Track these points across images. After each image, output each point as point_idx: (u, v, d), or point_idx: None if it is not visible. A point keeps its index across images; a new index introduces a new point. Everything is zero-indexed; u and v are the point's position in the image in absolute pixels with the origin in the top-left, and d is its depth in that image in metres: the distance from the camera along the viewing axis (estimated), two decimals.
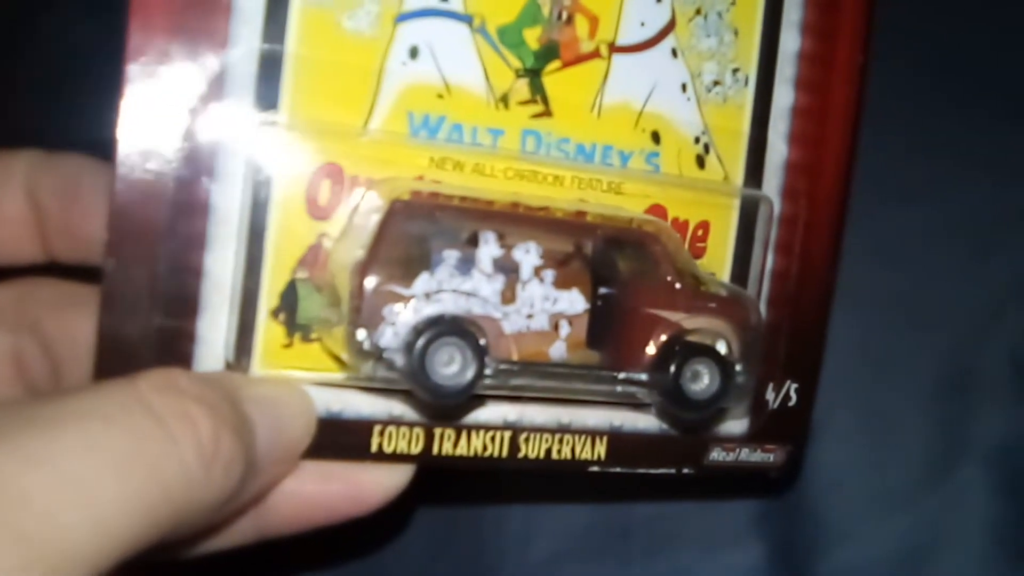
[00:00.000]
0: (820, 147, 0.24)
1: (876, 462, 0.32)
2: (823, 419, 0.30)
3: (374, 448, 0.21)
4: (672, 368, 0.19)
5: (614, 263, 0.19)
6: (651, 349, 0.19)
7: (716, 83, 0.22)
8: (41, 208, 0.22)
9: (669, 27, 0.22)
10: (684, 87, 0.22)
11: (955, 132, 0.35)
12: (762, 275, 0.23)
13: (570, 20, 0.21)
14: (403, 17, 0.20)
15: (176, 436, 0.16)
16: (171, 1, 0.18)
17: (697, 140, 0.22)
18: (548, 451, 0.22)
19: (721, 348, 0.20)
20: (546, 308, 0.18)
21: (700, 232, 0.23)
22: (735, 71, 0.23)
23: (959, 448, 0.32)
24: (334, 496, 0.21)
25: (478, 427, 0.21)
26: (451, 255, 0.18)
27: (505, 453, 0.22)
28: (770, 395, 0.24)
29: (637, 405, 0.22)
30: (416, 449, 0.21)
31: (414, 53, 0.20)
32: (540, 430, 0.22)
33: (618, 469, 0.23)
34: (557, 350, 0.19)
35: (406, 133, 0.20)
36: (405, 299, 0.17)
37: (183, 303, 0.19)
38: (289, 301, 0.20)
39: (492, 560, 0.31)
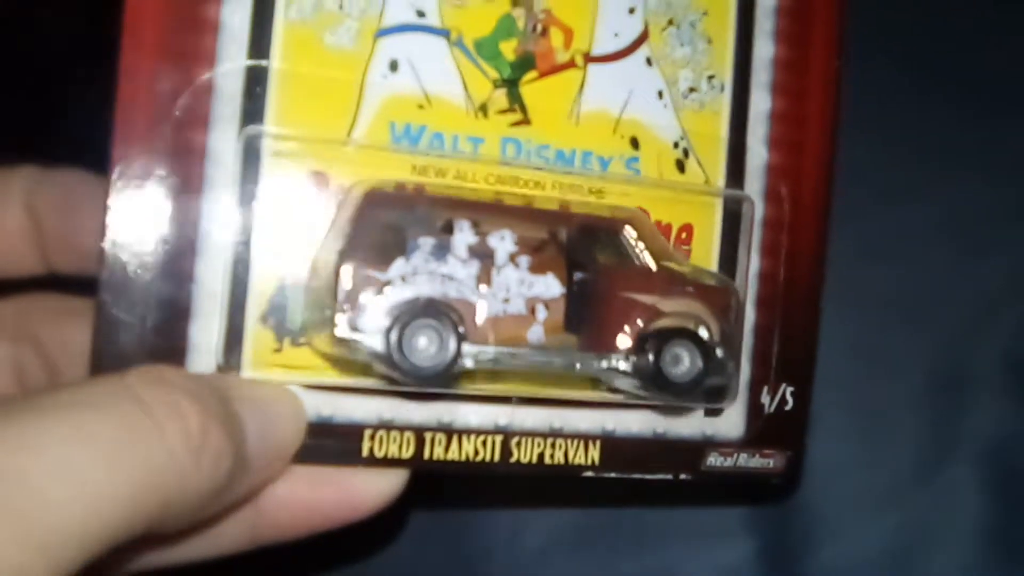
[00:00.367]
0: (800, 150, 0.24)
1: (867, 460, 0.32)
2: (815, 416, 0.29)
3: (365, 452, 0.21)
4: (651, 352, 0.19)
5: (589, 249, 0.20)
6: (629, 333, 0.19)
7: (692, 90, 0.23)
8: (40, 222, 0.23)
9: (643, 37, 0.23)
10: (660, 94, 0.23)
11: (947, 130, 0.35)
12: (748, 277, 0.24)
13: (545, 32, 0.22)
14: (382, 32, 0.21)
15: (164, 425, 0.16)
16: (162, 22, 0.19)
17: (676, 145, 0.23)
18: (541, 456, 0.22)
19: (701, 332, 0.20)
20: (522, 292, 0.19)
21: (684, 235, 0.23)
22: (710, 78, 0.23)
23: (950, 446, 0.32)
24: (327, 501, 0.21)
25: (469, 431, 0.22)
26: (426, 242, 0.18)
27: (497, 457, 0.22)
28: (765, 399, 0.24)
29: (629, 406, 0.23)
30: (407, 453, 0.21)
31: (394, 66, 0.21)
32: (532, 434, 0.22)
33: (613, 474, 0.23)
34: (535, 333, 0.19)
35: (388, 142, 0.21)
36: (381, 283, 0.17)
37: (176, 309, 0.20)
38: (278, 306, 0.20)
39: (482, 553, 0.31)
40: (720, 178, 0.23)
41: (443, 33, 0.21)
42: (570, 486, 0.28)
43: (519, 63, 0.22)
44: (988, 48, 0.35)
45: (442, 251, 0.18)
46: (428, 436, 0.21)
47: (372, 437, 0.21)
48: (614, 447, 0.23)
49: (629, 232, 0.20)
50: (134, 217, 0.19)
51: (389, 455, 0.21)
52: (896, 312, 0.34)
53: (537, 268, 0.19)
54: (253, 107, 0.20)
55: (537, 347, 0.19)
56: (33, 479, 0.15)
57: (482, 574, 0.32)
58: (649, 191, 0.22)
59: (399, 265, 0.18)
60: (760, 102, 0.24)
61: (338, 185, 0.20)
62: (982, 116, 0.35)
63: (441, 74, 0.21)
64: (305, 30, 0.20)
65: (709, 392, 0.21)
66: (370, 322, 0.17)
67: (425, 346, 0.17)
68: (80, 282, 0.23)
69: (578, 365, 0.19)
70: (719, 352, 0.20)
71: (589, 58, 0.22)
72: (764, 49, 0.24)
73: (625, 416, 0.23)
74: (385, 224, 0.18)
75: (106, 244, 0.19)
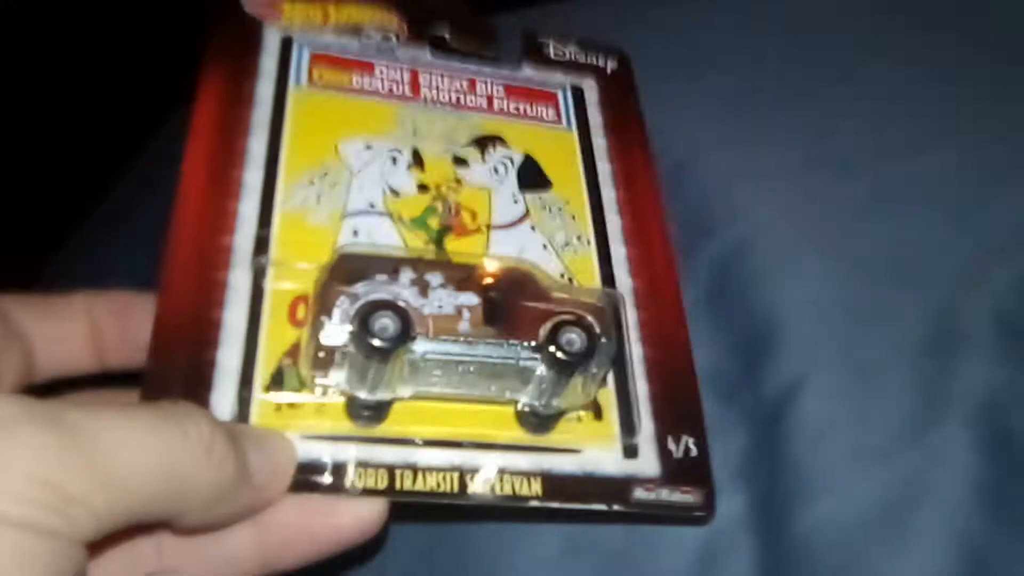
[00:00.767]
0: (654, 277, 0.33)
1: (858, 416, 0.31)
2: (806, 373, 0.31)
3: (348, 484, 0.26)
4: (551, 335, 0.26)
5: (500, 284, 0.28)
6: (533, 326, 0.26)
7: (567, 244, 0.33)
8: (99, 328, 0.29)
9: (525, 215, 0.33)
10: (544, 246, 0.33)
11: (939, 89, 0.36)
12: (633, 358, 0.31)
13: (457, 213, 0.32)
14: (347, 215, 0.31)
15: (185, 428, 0.22)
16: (201, 212, 0.29)
17: (562, 275, 0.32)
18: (492, 487, 0.27)
19: (588, 322, 0.27)
20: (451, 301, 0.26)
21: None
22: (579, 237, 0.33)
23: (942, 403, 0.31)
24: (319, 525, 0.26)
25: (430, 468, 0.27)
26: (381, 276, 0.26)
27: (456, 489, 0.27)
28: (672, 446, 0.30)
29: (560, 451, 0.28)
30: (382, 486, 0.26)
31: (355, 233, 0.31)
32: (483, 471, 0.27)
33: (555, 504, 0.28)
34: (463, 326, 0.26)
35: None
36: (350, 295, 0.25)
37: (202, 383, 0.27)
38: (278, 380, 0.27)
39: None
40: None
41: (388, 215, 0.32)
42: None
43: (442, 230, 0.32)
44: (984, 9, 0.37)
45: (392, 280, 0.26)
46: (398, 472, 0.27)
47: (353, 473, 0.26)
48: (553, 482, 0.28)
49: (530, 273, 0.28)
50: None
51: (367, 486, 0.26)
52: (888, 269, 0.33)
53: (461, 288, 0.27)
54: (262, 259, 0.29)
55: (467, 334, 0.26)
56: (102, 439, 0.21)
57: None
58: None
59: (361, 284, 0.26)
60: (618, 250, 0.33)
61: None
62: (976, 75, 0.36)
63: (387, 238, 0.31)
64: (295, 214, 0.30)
65: (594, 375, 0.27)
66: (342, 319, 0.25)
67: (384, 326, 0.25)
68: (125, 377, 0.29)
69: (499, 351, 0.26)
70: (603, 339, 0.27)
71: (490, 227, 0.32)
72: (614, 220, 0.34)
73: (559, 458, 0.28)
74: (352, 268, 0.26)
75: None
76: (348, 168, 0.32)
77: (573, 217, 0.34)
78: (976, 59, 0.38)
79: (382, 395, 0.27)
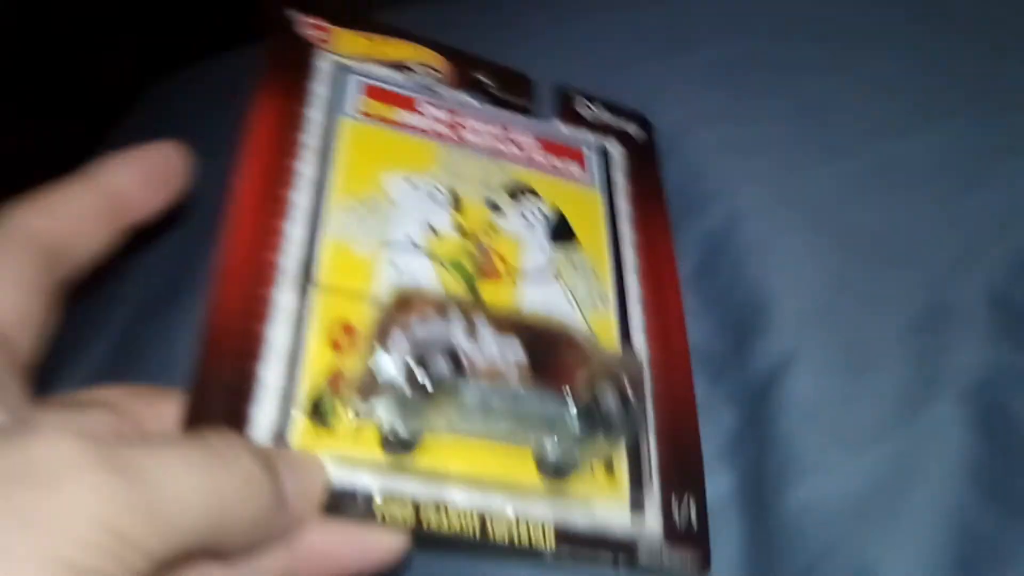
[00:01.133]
0: (667, 344, 0.35)
1: (850, 395, 0.31)
2: (797, 350, 0.31)
3: (377, 514, 0.27)
4: (587, 391, 0.27)
5: (542, 336, 0.29)
6: (571, 380, 0.28)
7: (589, 301, 0.34)
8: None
9: (552, 267, 0.35)
10: (568, 300, 0.34)
11: (934, 69, 0.36)
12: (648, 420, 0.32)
13: (490, 259, 0.34)
14: (388, 247, 0.32)
15: (228, 463, 0.23)
16: (252, 231, 0.30)
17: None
18: (510, 535, 0.28)
19: (620, 381, 0.28)
20: (497, 349, 0.27)
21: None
22: (600, 296, 0.35)
23: (934, 383, 0.31)
24: (346, 549, 0.26)
25: (454, 507, 0.28)
26: (434, 316, 0.27)
27: (478, 533, 0.28)
28: (675, 507, 0.31)
29: (573, 500, 0.29)
30: (407, 518, 0.27)
31: (396, 266, 0.32)
32: (503, 517, 0.28)
33: (567, 557, 0.29)
34: (509, 374, 0.27)
35: None
36: (407, 330, 0.26)
37: (244, 396, 0.27)
38: (317, 403, 0.28)
39: None
40: (616, 347, 0.34)
41: (426, 252, 0.33)
42: None
43: (475, 274, 0.33)
44: None
45: (445, 320, 0.27)
46: (423, 506, 0.28)
47: (380, 502, 0.27)
48: (565, 535, 0.29)
49: (568, 333, 0.30)
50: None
51: (392, 516, 0.27)
52: (879, 248, 0.33)
53: (504, 333, 0.28)
54: (306, 280, 0.30)
55: (511, 382, 0.27)
56: (159, 481, 0.21)
57: None
58: None
59: (417, 322, 0.27)
60: (635, 315, 0.35)
61: (359, 331, 0.29)
62: (971, 54, 0.36)
63: (426, 275, 0.32)
64: (339, 240, 0.31)
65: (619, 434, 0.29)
66: (397, 353, 0.26)
67: (438, 366, 0.26)
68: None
69: (539, 403, 0.27)
70: (634, 401, 0.28)
71: (519, 275, 0.34)
72: (633, 286, 0.36)
73: (571, 510, 0.30)
74: (409, 304, 0.27)
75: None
76: (391, 201, 0.33)
77: (596, 275, 0.35)
78: (968, 44, 0.38)
79: (417, 428, 0.28)
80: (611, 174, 0.39)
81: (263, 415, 0.27)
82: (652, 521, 0.31)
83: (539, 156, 0.38)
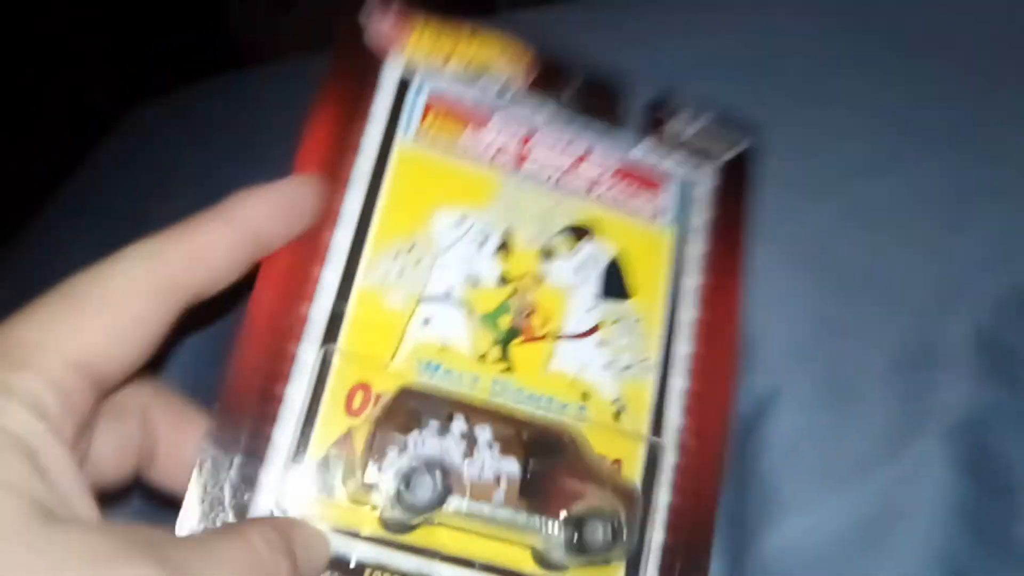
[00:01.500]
0: (707, 416, 0.33)
1: (833, 433, 0.31)
2: (781, 388, 0.31)
3: None
4: (576, 525, 0.27)
5: (542, 451, 0.29)
6: (563, 507, 0.27)
7: (628, 367, 0.33)
8: (152, 433, 0.30)
9: (596, 328, 0.33)
10: (606, 366, 0.33)
11: (921, 107, 0.35)
12: (660, 504, 0.32)
13: (530, 315, 0.33)
14: (423, 300, 0.32)
15: (264, 559, 0.25)
16: (282, 284, 0.30)
17: (614, 403, 0.33)
18: None
19: (615, 514, 0.28)
20: (492, 466, 0.27)
21: (615, 465, 0.32)
22: (643, 361, 0.33)
23: (918, 422, 0.30)
24: None
25: None
26: (434, 423, 0.27)
27: None
28: None
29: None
30: None
31: (427, 322, 0.31)
32: None
33: None
34: (498, 496, 0.27)
35: (416, 370, 0.31)
36: (400, 443, 0.26)
37: (256, 457, 0.28)
38: (322, 469, 0.29)
39: None
40: (645, 428, 0.33)
41: (463, 307, 0.32)
42: None
43: (510, 332, 0.32)
44: (961, 22, 0.36)
45: (444, 431, 0.27)
46: None
47: (372, 573, 0.29)
48: None
49: (569, 438, 0.29)
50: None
51: None
52: (864, 285, 0.33)
53: (505, 452, 0.28)
54: (331, 335, 0.30)
55: (499, 504, 0.27)
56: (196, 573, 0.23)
57: None
58: (592, 429, 0.32)
59: (414, 435, 0.27)
60: (677, 382, 0.33)
61: (376, 392, 0.30)
62: (958, 94, 0.35)
63: (457, 332, 0.32)
64: (373, 291, 0.31)
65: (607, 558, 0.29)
66: (388, 467, 0.26)
67: (425, 487, 0.26)
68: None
69: (524, 523, 0.27)
70: (625, 535, 0.28)
71: (558, 336, 0.33)
72: (683, 347, 0.34)
73: None
74: (408, 409, 0.27)
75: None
76: (435, 244, 0.32)
77: (644, 335, 0.34)
78: (952, 80, 0.37)
79: (412, 521, 0.28)
80: (691, 209, 0.36)
81: (270, 478, 0.28)
82: None
83: (611, 186, 0.35)
